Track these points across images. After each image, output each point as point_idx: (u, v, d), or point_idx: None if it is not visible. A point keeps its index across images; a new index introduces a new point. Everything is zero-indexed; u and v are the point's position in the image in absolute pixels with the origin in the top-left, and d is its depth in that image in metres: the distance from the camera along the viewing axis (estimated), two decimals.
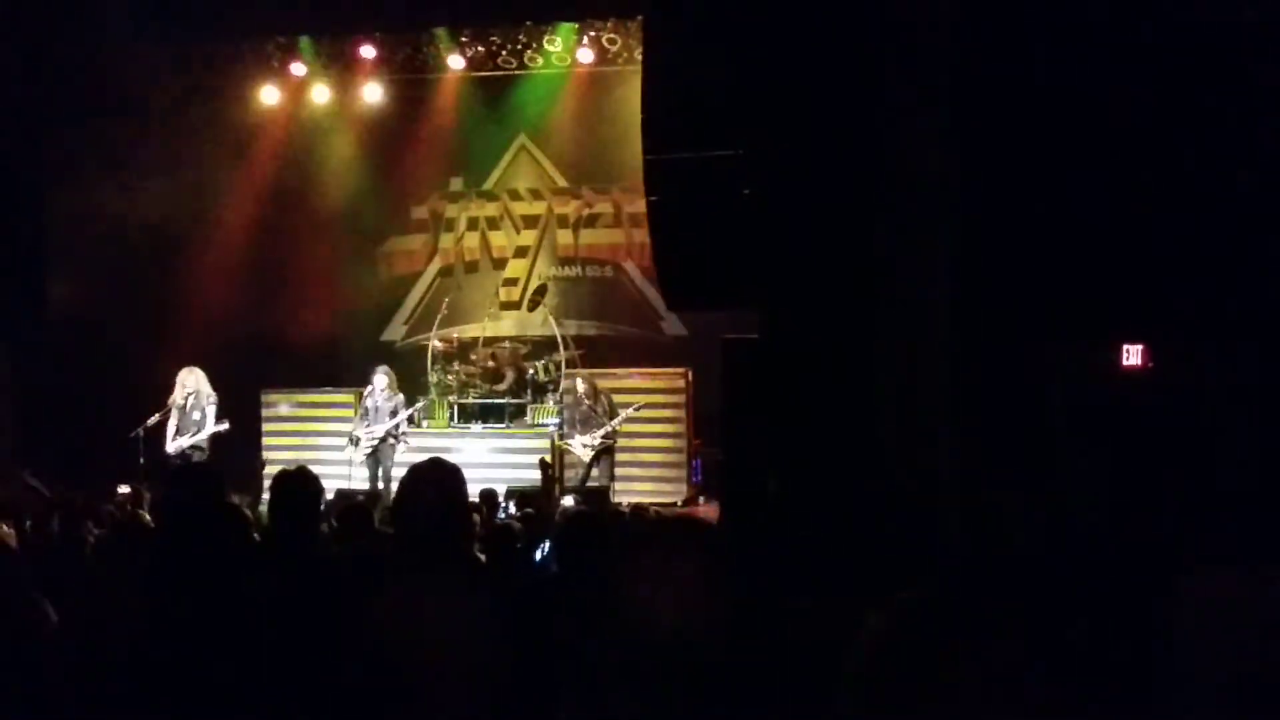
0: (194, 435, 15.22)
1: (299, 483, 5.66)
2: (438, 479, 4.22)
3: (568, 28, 18.26)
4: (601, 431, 15.75)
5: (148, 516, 8.62)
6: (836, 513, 6.17)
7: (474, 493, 11.61)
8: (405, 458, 15.16)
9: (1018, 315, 6.26)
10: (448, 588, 3.96)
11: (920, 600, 2.15)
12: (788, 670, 2.53)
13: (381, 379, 15.94)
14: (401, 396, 16.04)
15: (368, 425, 15.86)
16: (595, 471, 15.83)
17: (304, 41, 18.86)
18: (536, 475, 15.54)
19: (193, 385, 15.30)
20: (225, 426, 15.44)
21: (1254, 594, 2.85)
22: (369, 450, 15.84)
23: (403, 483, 4.40)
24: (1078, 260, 6.26)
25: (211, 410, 15.26)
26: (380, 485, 15.42)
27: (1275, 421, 5.92)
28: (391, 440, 15.86)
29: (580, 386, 16.01)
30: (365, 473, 15.89)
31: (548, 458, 15.21)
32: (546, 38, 18.52)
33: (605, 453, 15.90)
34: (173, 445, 15.26)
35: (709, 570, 2.25)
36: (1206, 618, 2.82)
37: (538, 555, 7.70)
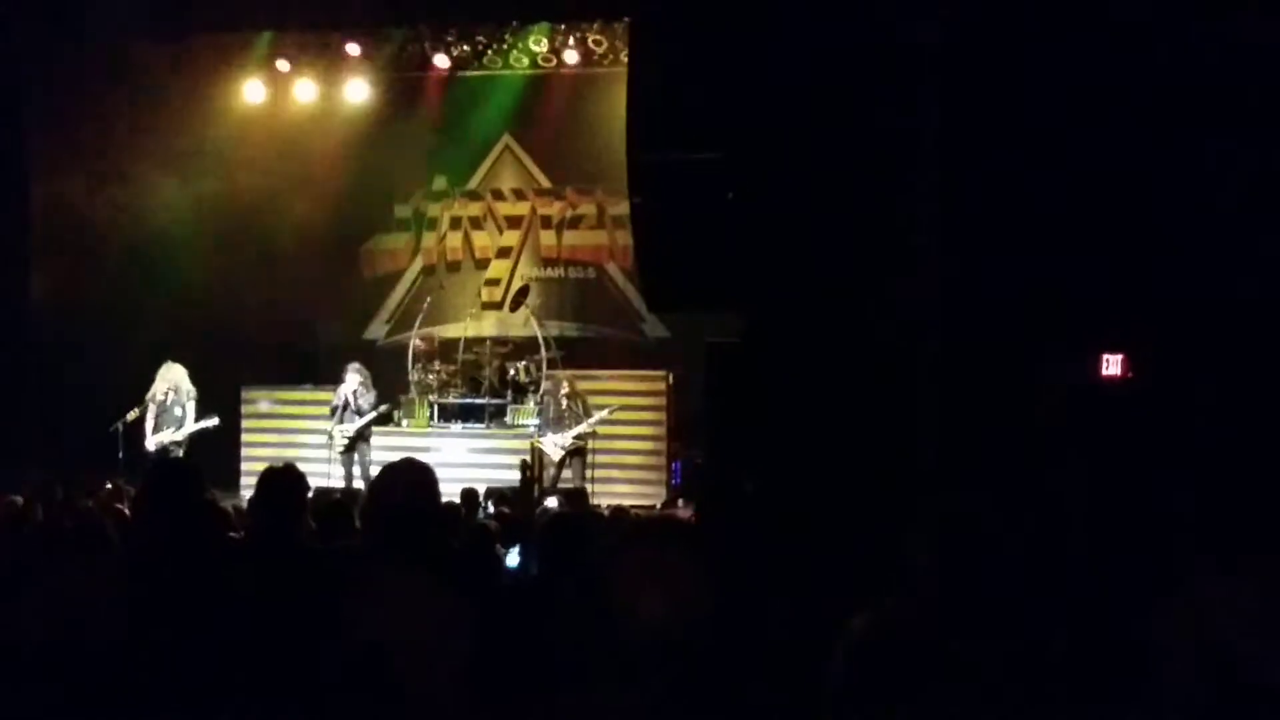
0: (175, 431, 15.20)
1: (285, 480, 5.64)
2: (409, 478, 4.21)
3: (564, 29, 18.22)
4: (573, 432, 15.75)
5: (128, 512, 8.59)
6: (819, 516, 6.18)
7: (455, 492, 11.61)
8: (381, 456, 15.15)
9: (1003, 322, 6.28)
10: (420, 587, 3.95)
11: (903, 606, 2.16)
12: (771, 667, 2.54)
13: (354, 377, 15.95)
14: (374, 394, 16.05)
15: (340, 423, 15.89)
16: (567, 473, 15.83)
17: (267, 36, 18.73)
18: (515, 476, 15.52)
19: (173, 380, 15.32)
20: (215, 422, 15.44)
21: (1246, 596, 2.86)
22: (343, 447, 15.85)
23: (374, 482, 4.39)
24: (1063, 268, 6.28)
25: (191, 406, 15.28)
26: (360, 483, 15.39)
27: (1257, 428, 5.95)
28: (364, 437, 15.89)
29: (561, 386, 16.01)
30: (343, 470, 15.89)
31: (529, 459, 15.13)
32: (532, 38, 18.51)
33: (577, 454, 15.89)
34: (152, 441, 15.25)
35: (693, 569, 2.26)
36: (1196, 621, 2.84)
37: (510, 561, 7.61)
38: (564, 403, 15.87)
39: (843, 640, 2.17)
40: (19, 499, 10.27)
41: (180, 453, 14.95)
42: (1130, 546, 5.18)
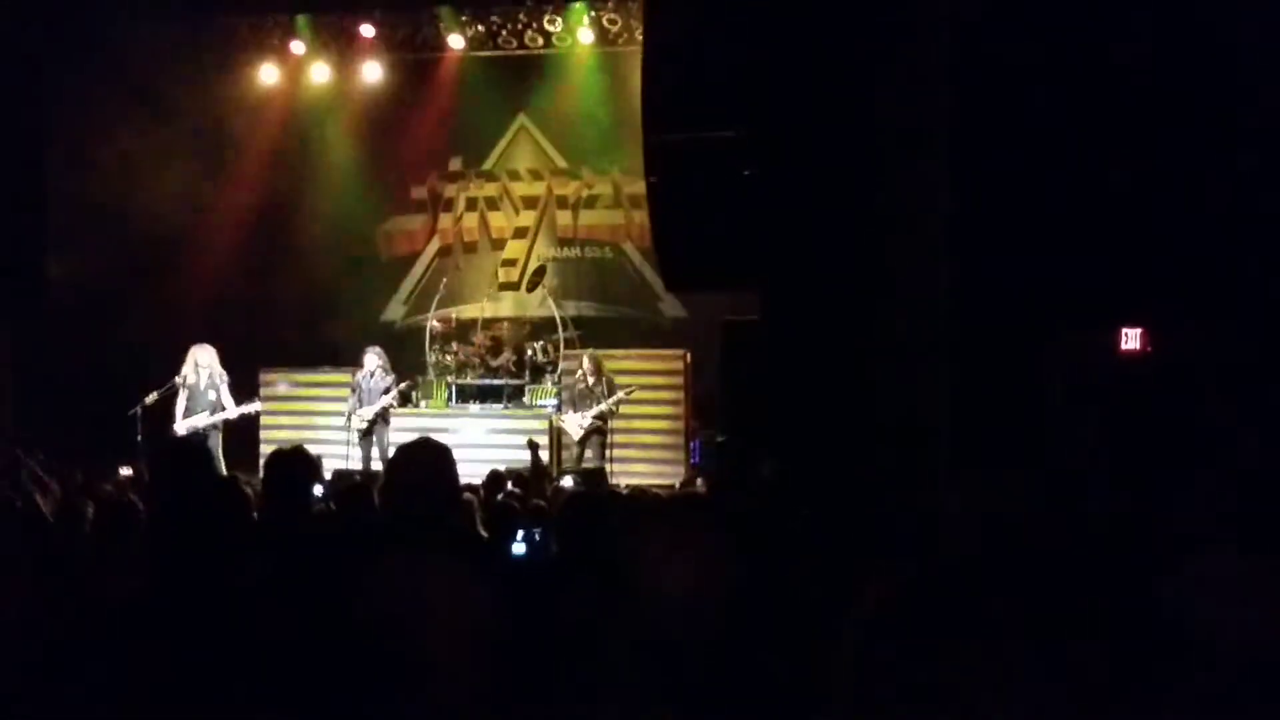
0: (213, 414, 14.96)
1: (291, 461, 5.66)
2: (425, 458, 4.22)
3: (579, 8, 18.21)
4: (593, 411, 15.72)
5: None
6: (834, 494, 6.18)
7: (472, 473, 11.61)
8: (399, 438, 15.12)
9: (1017, 298, 6.27)
10: (438, 566, 3.96)
11: (916, 577, 2.16)
12: (790, 644, 2.54)
13: (373, 360, 15.93)
14: (393, 377, 16.04)
15: (359, 406, 15.88)
16: (588, 453, 15.80)
17: (302, 20, 18.80)
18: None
19: (206, 362, 15.03)
20: (258, 407, 15.40)
21: (1257, 574, 2.85)
22: (362, 430, 15.84)
23: (391, 462, 4.40)
24: (1077, 244, 6.26)
25: (225, 388, 15.07)
26: (379, 465, 15.39)
27: (1272, 403, 5.94)
28: (383, 420, 15.90)
29: (585, 364, 15.96)
30: (360, 453, 15.89)
31: (536, 438, 14.91)
32: (547, 18, 18.47)
33: (596, 433, 15.85)
34: (183, 425, 14.95)
35: (714, 547, 2.25)
36: (1209, 598, 2.83)
37: (515, 549, 7.50)
38: (588, 380, 15.83)
39: (859, 606, 2.16)
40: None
41: (219, 436, 14.84)
42: (1148, 523, 5.17)
